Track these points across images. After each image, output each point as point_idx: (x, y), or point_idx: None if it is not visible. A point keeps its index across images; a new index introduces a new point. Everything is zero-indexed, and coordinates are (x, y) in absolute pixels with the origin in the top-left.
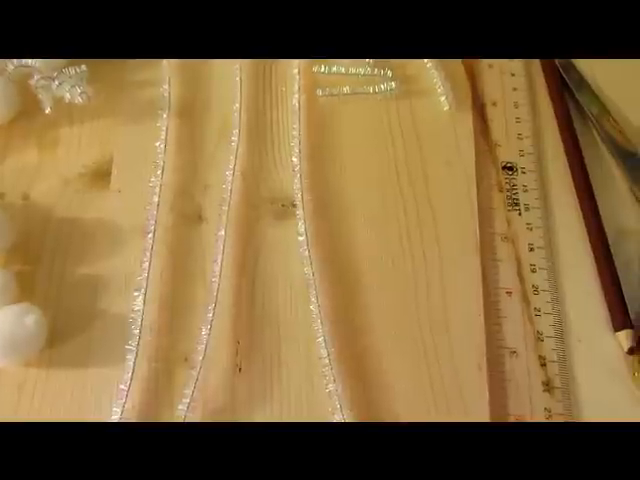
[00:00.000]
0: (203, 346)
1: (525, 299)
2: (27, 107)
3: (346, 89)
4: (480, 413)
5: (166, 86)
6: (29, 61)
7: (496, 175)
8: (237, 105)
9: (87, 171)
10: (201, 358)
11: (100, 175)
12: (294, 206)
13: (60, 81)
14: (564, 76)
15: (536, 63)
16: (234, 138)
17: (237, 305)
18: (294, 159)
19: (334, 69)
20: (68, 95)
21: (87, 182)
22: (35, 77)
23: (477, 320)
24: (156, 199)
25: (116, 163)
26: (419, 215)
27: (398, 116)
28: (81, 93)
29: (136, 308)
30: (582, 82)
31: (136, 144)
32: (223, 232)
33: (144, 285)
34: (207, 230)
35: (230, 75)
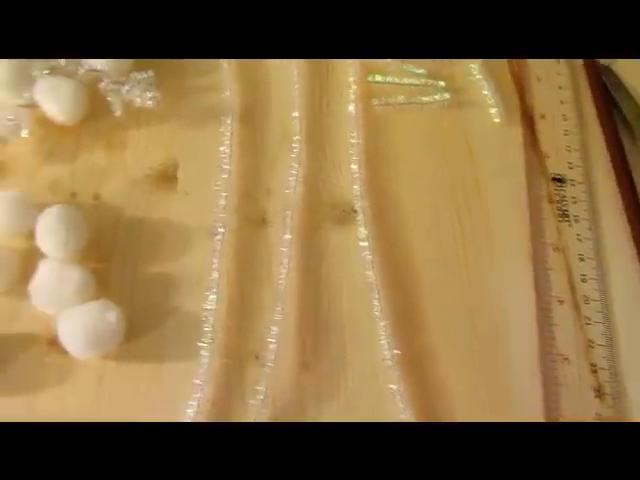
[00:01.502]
0: (273, 345)
1: (576, 308)
2: (95, 109)
3: (401, 98)
4: (533, 416)
5: (227, 92)
6: (98, 65)
7: (546, 186)
8: (296, 112)
9: (153, 173)
10: (272, 356)
11: (166, 177)
12: (354, 212)
13: (130, 86)
14: (608, 85)
15: (582, 76)
16: (295, 145)
17: (303, 307)
18: (353, 166)
19: (389, 79)
20: (138, 99)
21: (154, 183)
22: (105, 81)
23: (530, 327)
24: (222, 202)
25: (182, 166)
26: (472, 223)
27: (450, 126)
28: (151, 98)
29: (208, 307)
30: (621, 86)
31: (200, 148)
32: (288, 236)
33: (214, 285)
34: (271, 233)
35: (288, 81)
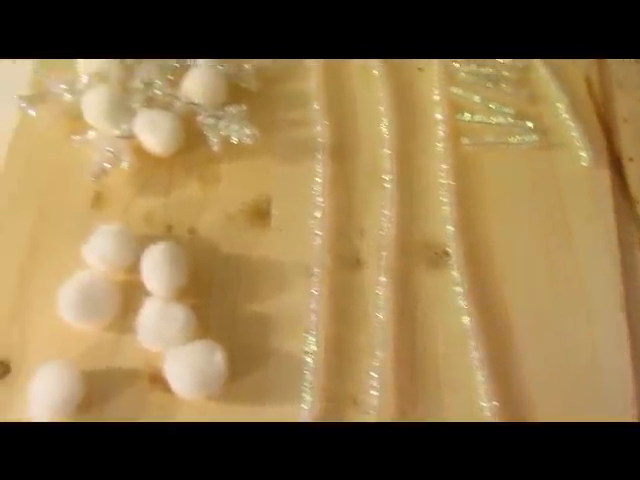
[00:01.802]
0: (371, 389)
1: None
2: (189, 141)
3: (490, 138)
4: None
5: (318, 127)
6: (194, 98)
7: (637, 232)
8: (386, 150)
9: (247, 208)
10: (374, 403)
11: (260, 213)
12: (446, 254)
13: (226, 121)
14: None
15: None
16: (387, 185)
17: (399, 351)
18: (444, 207)
19: (477, 118)
20: (235, 136)
21: (248, 219)
22: (202, 114)
23: (626, 372)
24: (317, 241)
25: (275, 202)
26: (565, 269)
27: (539, 168)
28: (249, 135)
29: (307, 349)
30: None
31: (292, 183)
32: (383, 278)
33: (313, 327)
34: (366, 275)
35: (375, 118)
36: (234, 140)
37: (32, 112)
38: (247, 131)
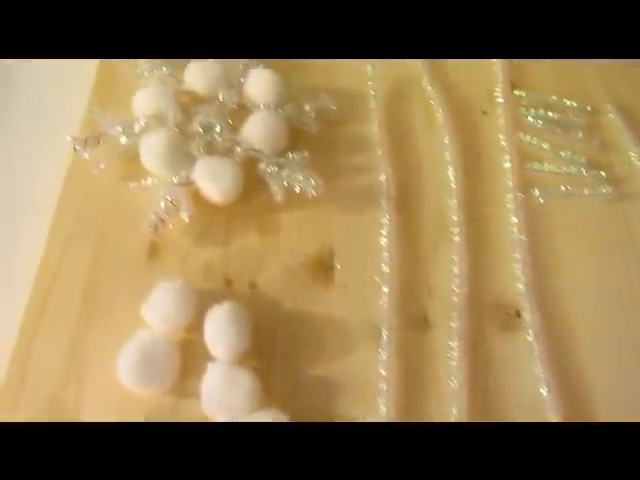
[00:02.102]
0: None
1: None
2: (248, 189)
3: (561, 190)
4: None
5: (383, 175)
6: (255, 144)
7: None
8: (454, 201)
9: (309, 261)
10: None
11: (323, 267)
12: (519, 316)
13: (289, 169)
14: None
15: None
16: (455, 238)
17: (472, 419)
18: (515, 264)
19: (547, 167)
20: (300, 186)
21: (310, 273)
22: (264, 162)
23: None
24: (384, 299)
25: (338, 255)
26: None
27: (613, 221)
28: (313, 186)
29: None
30: None
31: (356, 235)
32: (454, 342)
33: (382, 392)
34: (435, 336)
35: (440, 164)
36: (297, 190)
37: (86, 155)
38: (312, 181)
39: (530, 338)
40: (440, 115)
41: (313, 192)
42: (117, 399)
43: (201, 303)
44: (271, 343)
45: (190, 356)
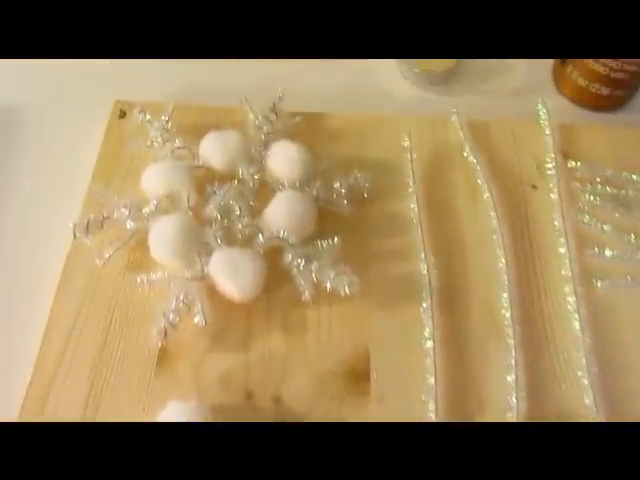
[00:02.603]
0: None
1: None
2: (271, 283)
3: (626, 279)
4: None
5: (424, 267)
6: (280, 229)
7: None
8: (505, 295)
9: (341, 369)
10: None
11: (357, 376)
12: None
13: (319, 263)
14: None
15: None
16: (509, 341)
17: None
18: (580, 372)
19: (608, 253)
20: (331, 283)
21: (342, 383)
22: (289, 253)
23: None
24: (429, 415)
25: (374, 362)
26: None
27: None
28: (348, 283)
29: None
30: None
31: (395, 338)
32: None
33: None
34: None
35: (489, 250)
36: (328, 287)
37: (87, 241)
38: (345, 278)
39: None
40: (485, 190)
41: (347, 291)
42: None
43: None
44: None
45: None
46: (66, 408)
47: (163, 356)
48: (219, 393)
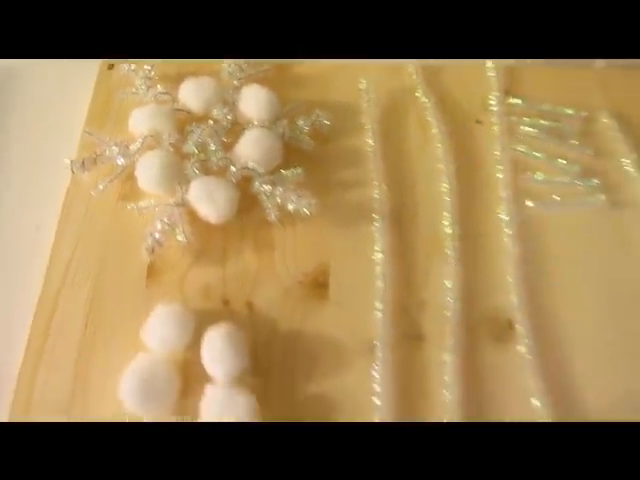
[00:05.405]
0: None
1: None
2: (243, 207)
3: (555, 200)
4: None
5: (376, 192)
6: (250, 162)
7: None
8: (448, 215)
9: (304, 279)
10: None
11: (317, 284)
12: (511, 328)
13: (283, 188)
14: None
15: None
16: (449, 252)
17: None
18: (509, 277)
19: (540, 177)
20: (293, 205)
21: (305, 291)
22: (258, 181)
23: None
24: (377, 315)
25: (333, 272)
26: (635, 336)
27: (606, 229)
28: (308, 205)
29: None
30: None
31: (350, 252)
32: (447, 356)
33: (377, 408)
34: (429, 350)
35: (435, 177)
36: (291, 209)
37: (84, 176)
38: (305, 200)
39: (523, 349)
40: (434, 126)
41: (307, 211)
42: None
43: (199, 324)
44: (267, 361)
45: (189, 378)
46: (71, 318)
47: (152, 271)
48: (200, 301)
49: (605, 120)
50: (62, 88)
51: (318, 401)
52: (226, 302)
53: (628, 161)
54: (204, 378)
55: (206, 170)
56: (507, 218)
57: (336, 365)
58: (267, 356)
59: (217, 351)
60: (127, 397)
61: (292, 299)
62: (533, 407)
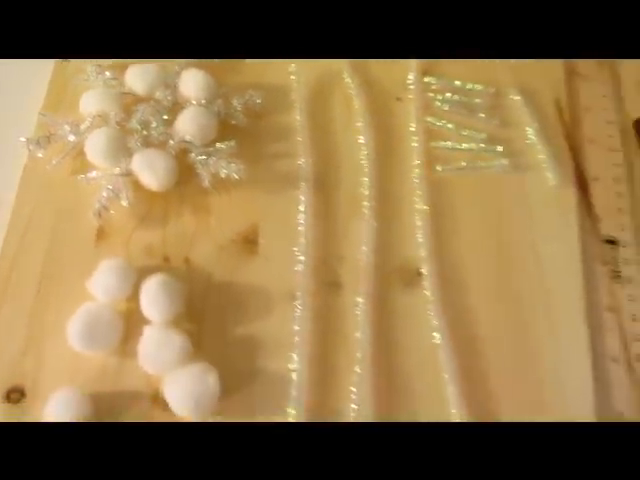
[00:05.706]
0: (351, 402)
1: (630, 367)
2: (182, 177)
3: (462, 164)
4: None
5: (302, 159)
6: (187, 137)
7: (599, 248)
8: (366, 179)
9: (237, 238)
10: (352, 414)
11: (249, 242)
12: (419, 275)
13: (217, 157)
14: None
15: (632, 137)
16: (366, 212)
17: (376, 366)
18: (418, 233)
19: (449, 144)
20: (225, 171)
21: (238, 248)
22: (194, 152)
23: (586, 385)
24: (300, 267)
25: (262, 232)
26: (530, 285)
27: (509, 190)
28: (236, 170)
29: (292, 367)
30: None
31: (278, 214)
32: (360, 299)
33: (297, 346)
34: (345, 297)
35: (356, 148)
36: (223, 175)
37: (39, 154)
38: (234, 166)
39: (428, 293)
40: (357, 103)
41: (236, 176)
42: (70, 363)
43: (141, 277)
44: (202, 309)
45: (130, 322)
46: (26, 276)
47: (100, 235)
48: (144, 259)
49: (511, 96)
50: (20, 77)
51: (246, 342)
52: (166, 259)
53: (530, 130)
54: (143, 322)
55: (148, 144)
56: (418, 181)
57: (263, 311)
58: (201, 305)
59: (153, 295)
60: (75, 338)
61: (225, 255)
62: (435, 341)
